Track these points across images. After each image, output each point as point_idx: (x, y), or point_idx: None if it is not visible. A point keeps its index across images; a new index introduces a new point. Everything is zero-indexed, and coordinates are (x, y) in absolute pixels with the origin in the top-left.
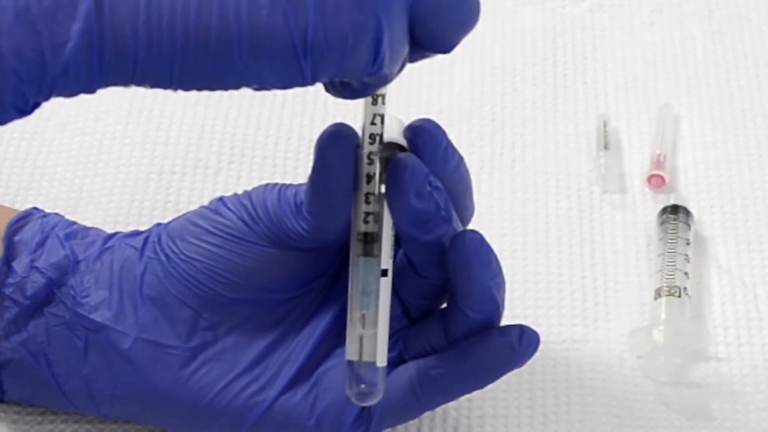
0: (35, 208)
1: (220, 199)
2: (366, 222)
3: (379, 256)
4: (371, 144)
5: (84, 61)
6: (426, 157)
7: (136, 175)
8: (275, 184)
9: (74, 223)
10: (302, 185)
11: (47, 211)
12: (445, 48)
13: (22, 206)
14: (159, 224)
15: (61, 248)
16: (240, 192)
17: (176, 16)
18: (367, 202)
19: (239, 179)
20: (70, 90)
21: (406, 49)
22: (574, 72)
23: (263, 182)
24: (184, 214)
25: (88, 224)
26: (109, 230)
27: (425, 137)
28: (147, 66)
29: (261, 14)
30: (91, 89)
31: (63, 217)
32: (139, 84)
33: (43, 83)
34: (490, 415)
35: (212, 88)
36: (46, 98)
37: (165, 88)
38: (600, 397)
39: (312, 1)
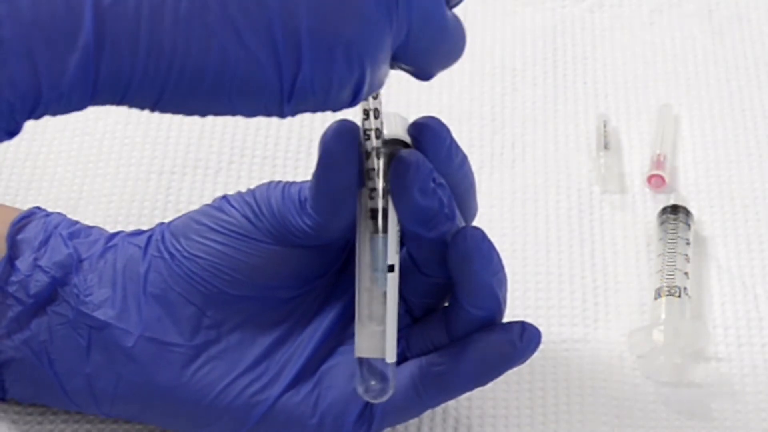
0: (38, 208)
1: (224, 197)
2: (371, 198)
3: (386, 232)
4: (366, 119)
5: (78, 89)
6: (430, 155)
7: (136, 175)
8: (279, 182)
9: (77, 222)
10: (306, 182)
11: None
12: (426, 78)
13: (23, 206)
14: (162, 223)
15: (64, 247)
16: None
17: (176, 56)
18: (369, 178)
19: (239, 179)
20: (60, 112)
21: (384, 81)
22: (574, 72)
23: (263, 182)
24: (187, 213)
25: (89, 224)
26: (110, 230)
27: (429, 135)
28: (136, 94)
29: (257, 59)
30: (79, 109)
31: (66, 216)
32: (121, 105)
33: (36, 110)
34: (490, 415)
35: (189, 115)
36: (37, 119)
37: (145, 110)
38: (600, 397)
39: (307, 51)
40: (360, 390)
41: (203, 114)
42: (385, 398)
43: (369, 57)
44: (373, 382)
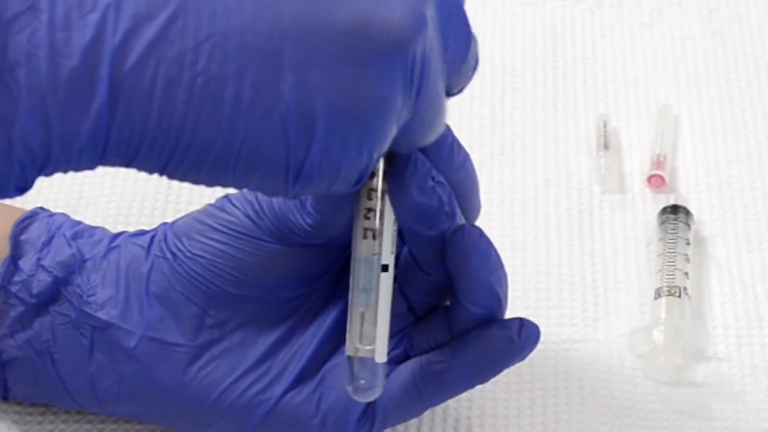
0: (41, 208)
1: (226, 196)
2: (367, 218)
3: (379, 252)
4: None
5: (87, 152)
6: (431, 154)
7: (136, 175)
8: None
9: (80, 222)
10: None
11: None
12: (408, 152)
13: (24, 206)
14: (165, 223)
15: (67, 247)
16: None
17: (185, 129)
18: (369, 198)
19: None
20: (69, 171)
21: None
22: (574, 72)
23: None
24: (190, 213)
25: (90, 224)
26: (110, 230)
27: None
28: (144, 160)
29: (266, 142)
30: (88, 169)
31: (69, 216)
32: (129, 168)
33: (46, 169)
34: (490, 415)
35: (195, 184)
36: (47, 176)
37: (153, 174)
38: (600, 397)
39: (319, 136)
40: (349, 389)
41: (209, 185)
42: (373, 397)
43: (378, 142)
44: (362, 381)
